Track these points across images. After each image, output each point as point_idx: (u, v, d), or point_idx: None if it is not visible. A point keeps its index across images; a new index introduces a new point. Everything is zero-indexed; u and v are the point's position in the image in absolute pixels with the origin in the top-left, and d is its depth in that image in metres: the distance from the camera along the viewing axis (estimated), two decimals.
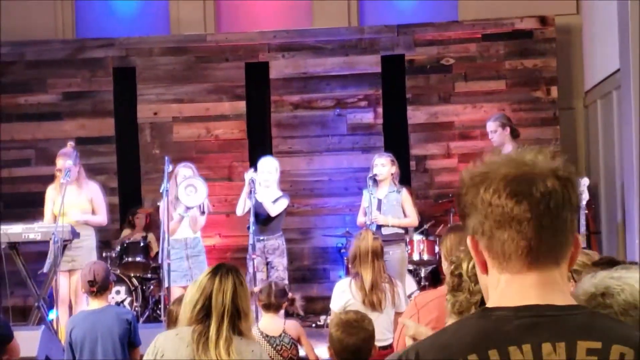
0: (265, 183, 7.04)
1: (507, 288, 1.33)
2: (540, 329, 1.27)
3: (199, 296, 3.02)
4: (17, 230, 6.46)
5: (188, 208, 6.91)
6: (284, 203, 7.08)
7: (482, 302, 1.68)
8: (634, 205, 6.73)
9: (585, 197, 6.86)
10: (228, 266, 3.15)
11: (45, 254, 6.66)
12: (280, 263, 7.02)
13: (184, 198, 6.87)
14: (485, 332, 1.29)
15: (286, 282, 6.95)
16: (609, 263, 2.45)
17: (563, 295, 1.33)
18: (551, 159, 1.34)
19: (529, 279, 1.32)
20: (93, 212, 6.95)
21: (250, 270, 6.67)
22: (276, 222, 7.09)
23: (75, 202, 6.77)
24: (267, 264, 7.01)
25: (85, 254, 6.67)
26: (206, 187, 6.94)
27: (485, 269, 1.37)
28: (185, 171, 7.07)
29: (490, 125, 7.20)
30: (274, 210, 6.99)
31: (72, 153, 6.86)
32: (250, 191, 6.89)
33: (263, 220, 7.01)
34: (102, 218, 7.00)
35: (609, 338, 1.25)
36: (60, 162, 6.82)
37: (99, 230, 7.19)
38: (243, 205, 7.07)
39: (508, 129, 6.86)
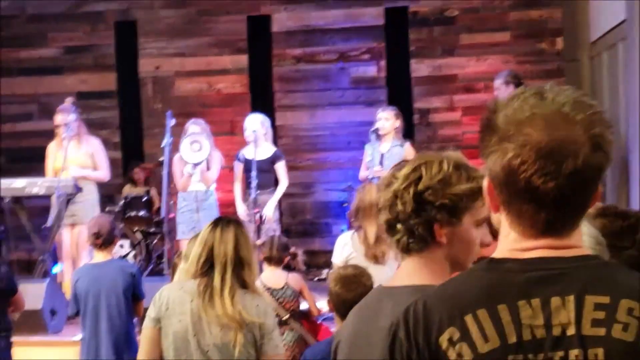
0: (249, 138, 6.97)
1: (516, 243, 1.30)
2: (549, 282, 1.25)
3: (201, 249, 3.03)
4: (20, 185, 6.47)
5: (195, 165, 6.89)
6: (281, 166, 7.04)
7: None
8: (637, 156, 6.71)
9: None
10: (229, 218, 3.18)
11: (49, 208, 6.69)
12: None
13: (187, 154, 6.84)
14: (493, 285, 1.27)
15: (279, 233, 6.96)
16: (615, 215, 2.37)
17: (573, 246, 1.30)
18: (590, 116, 1.25)
19: (541, 242, 1.29)
20: (94, 168, 6.93)
21: (253, 224, 6.68)
22: (268, 177, 7.06)
23: (74, 157, 6.76)
24: (260, 217, 7.02)
25: (87, 208, 6.68)
26: (210, 145, 6.88)
27: (497, 210, 1.33)
28: (193, 128, 7.01)
29: (495, 83, 7.14)
30: (270, 210, 6.95)
31: (72, 108, 6.83)
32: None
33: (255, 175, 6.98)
34: (103, 173, 6.98)
35: (618, 292, 1.23)
36: (59, 118, 6.80)
37: (102, 185, 7.18)
38: (240, 202, 7.04)
39: (512, 86, 6.76)
